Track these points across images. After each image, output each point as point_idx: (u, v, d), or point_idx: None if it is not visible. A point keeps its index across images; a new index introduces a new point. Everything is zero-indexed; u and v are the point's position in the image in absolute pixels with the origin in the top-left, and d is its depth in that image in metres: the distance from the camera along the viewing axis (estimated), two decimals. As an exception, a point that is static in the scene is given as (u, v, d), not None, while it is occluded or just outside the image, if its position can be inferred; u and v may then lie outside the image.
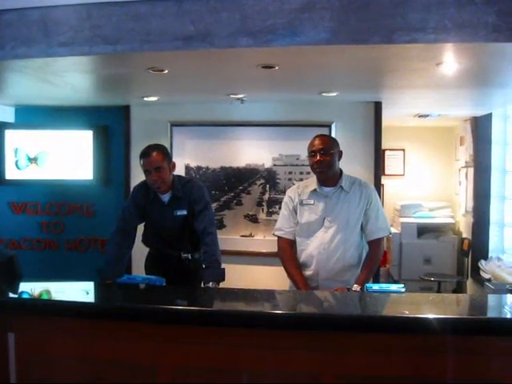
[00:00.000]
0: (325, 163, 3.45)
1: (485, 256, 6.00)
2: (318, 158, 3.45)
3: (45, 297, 2.89)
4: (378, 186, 5.27)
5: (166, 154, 3.71)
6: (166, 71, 3.62)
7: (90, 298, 2.91)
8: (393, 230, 6.97)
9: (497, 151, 6.04)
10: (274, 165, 5.33)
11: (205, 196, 3.78)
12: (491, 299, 2.82)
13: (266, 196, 5.33)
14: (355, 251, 3.50)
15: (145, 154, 3.64)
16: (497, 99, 5.24)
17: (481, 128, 6.25)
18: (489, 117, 6.05)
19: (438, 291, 6.29)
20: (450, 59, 3.22)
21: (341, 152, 3.57)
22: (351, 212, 3.48)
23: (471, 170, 6.46)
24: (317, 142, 3.50)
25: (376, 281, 5.17)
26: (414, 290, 6.39)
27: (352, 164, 4.95)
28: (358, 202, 3.50)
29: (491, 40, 2.80)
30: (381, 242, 3.54)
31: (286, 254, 3.60)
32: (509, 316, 2.41)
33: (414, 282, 6.49)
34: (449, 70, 3.48)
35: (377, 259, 3.54)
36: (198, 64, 3.47)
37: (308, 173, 4.73)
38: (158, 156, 3.62)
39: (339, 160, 3.57)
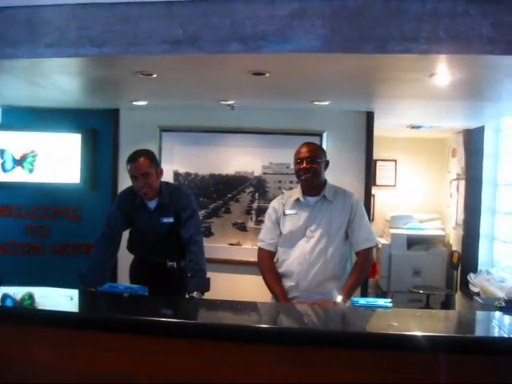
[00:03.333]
0: (311, 171, 3.40)
1: (474, 269, 5.95)
2: (305, 165, 3.40)
3: (25, 303, 2.82)
4: (369, 197, 5.21)
5: (153, 159, 3.65)
6: (155, 75, 3.56)
7: (69, 307, 2.83)
8: (383, 241, 6.94)
9: (488, 164, 6.00)
10: (264, 173, 5.28)
11: (192, 203, 3.71)
12: (479, 316, 2.77)
13: (255, 204, 5.27)
14: (338, 263, 3.43)
15: (132, 159, 3.57)
16: (490, 112, 5.22)
17: (473, 140, 6.23)
18: (481, 129, 6.02)
19: (427, 304, 6.24)
20: (444, 70, 3.18)
21: (327, 162, 3.53)
22: (333, 222, 3.43)
23: (462, 183, 6.43)
24: (304, 149, 3.45)
25: (364, 292, 5.12)
26: (403, 302, 6.34)
27: (343, 174, 4.92)
28: (340, 212, 3.44)
29: (486, 52, 2.76)
30: (367, 253, 3.46)
31: (266, 265, 3.55)
32: (497, 335, 2.35)
33: (402, 293, 6.44)
34: (442, 82, 3.45)
35: (363, 270, 3.47)
36: (186, 69, 3.41)
37: (298, 182, 4.68)
38: (145, 161, 3.55)
39: (325, 169, 3.51)
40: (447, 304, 6.53)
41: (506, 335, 2.32)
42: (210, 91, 4.31)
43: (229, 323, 2.50)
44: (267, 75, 3.42)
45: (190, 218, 3.63)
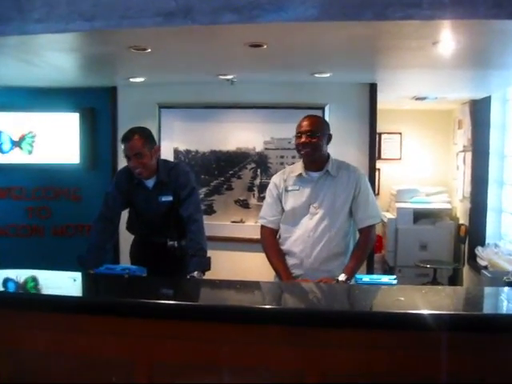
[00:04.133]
0: (310, 145, 3.30)
1: (482, 242, 5.90)
2: (304, 139, 3.31)
3: (24, 287, 2.75)
4: (373, 171, 5.12)
5: (147, 138, 3.52)
6: (149, 50, 3.45)
7: (66, 290, 2.76)
8: (389, 215, 6.86)
9: (495, 135, 5.90)
10: (266, 148, 5.19)
11: (191, 181, 3.63)
12: (487, 292, 2.70)
13: (257, 181, 5.19)
14: (342, 239, 3.35)
15: (125, 138, 3.47)
16: (496, 81, 5.08)
17: (479, 111, 6.10)
18: (488, 100, 5.90)
19: (434, 278, 6.19)
20: (447, 37, 3.07)
21: (330, 135, 3.42)
22: (338, 198, 3.33)
23: (469, 155, 6.31)
24: (304, 122, 3.35)
25: (370, 267, 5.06)
26: (410, 277, 6.30)
27: (346, 148, 4.84)
28: (345, 188, 3.35)
29: (491, 17, 2.66)
30: (371, 230, 3.39)
31: (268, 243, 3.48)
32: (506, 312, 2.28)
33: (409, 268, 6.39)
34: (446, 50, 3.33)
35: (366, 248, 3.39)
36: (181, 42, 3.29)
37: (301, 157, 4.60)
38: (138, 141, 3.44)
39: (328, 143, 3.41)
40: (455, 278, 6.48)
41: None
42: (208, 65, 4.19)
43: (230, 304, 2.42)
44: (264, 47, 3.31)
45: (189, 196, 3.55)
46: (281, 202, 3.45)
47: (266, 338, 2.18)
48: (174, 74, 4.61)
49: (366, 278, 2.79)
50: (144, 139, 3.47)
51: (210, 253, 3.47)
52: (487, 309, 2.46)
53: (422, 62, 3.81)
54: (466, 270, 6.27)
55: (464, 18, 2.65)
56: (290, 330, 2.17)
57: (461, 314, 2.19)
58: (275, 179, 3.53)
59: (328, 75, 4.51)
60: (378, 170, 6.50)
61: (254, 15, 2.68)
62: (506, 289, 2.66)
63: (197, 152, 5.28)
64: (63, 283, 2.78)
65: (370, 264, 5.05)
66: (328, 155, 3.42)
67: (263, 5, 2.65)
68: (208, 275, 3.36)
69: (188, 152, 5.28)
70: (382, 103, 5.21)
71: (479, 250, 5.67)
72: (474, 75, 4.66)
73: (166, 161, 3.81)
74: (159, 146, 3.67)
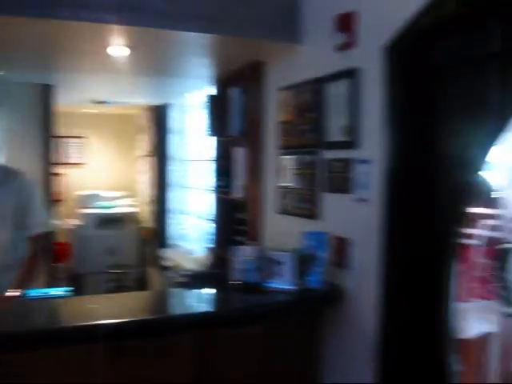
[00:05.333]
0: None
1: (166, 244, 6.09)
2: None
3: None
4: (49, 176, 4.86)
5: None
6: None
7: None
8: (74, 221, 6.65)
9: (176, 140, 6.17)
10: None
11: None
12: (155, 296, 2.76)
13: None
14: (13, 251, 3.07)
15: None
16: (174, 89, 5.27)
17: (160, 117, 6.34)
18: (168, 106, 6.14)
19: (122, 282, 6.20)
20: (119, 42, 3.05)
21: None
22: (5, 206, 3.05)
23: (152, 159, 6.49)
24: None
25: (54, 278, 4.84)
26: (99, 283, 6.19)
27: (20, 152, 4.50)
28: (12, 195, 3.08)
29: (158, 26, 2.73)
30: (41, 239, 3.17)
31: None
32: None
33: (98, 274, 6.28)
34: (120, 55, 3.30)
35: (37, 258, 3.15)
36: None
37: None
38: None
39: None
40: (142, 281, 6.57)
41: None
42: None
43: None
44: None
45: None
46: None
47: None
48: None
49: (37, 293, 2.61)
50: None
51: None
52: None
53: (98, 65, 3.75)
54: (152, 272, 6.41)
55: (131, 24, 2.66)
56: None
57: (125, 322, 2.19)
58: None
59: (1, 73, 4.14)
60: (62, 175, 6.24)
61: None
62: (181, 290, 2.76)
63: None
64: None
65: (52, 274, 4.81)
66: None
67: None
68: None
69: None
70: (64, 106, 5.01)
71: (164, 252, 5.85)
72: (151, 82, 4.76)
73: None
74: None
